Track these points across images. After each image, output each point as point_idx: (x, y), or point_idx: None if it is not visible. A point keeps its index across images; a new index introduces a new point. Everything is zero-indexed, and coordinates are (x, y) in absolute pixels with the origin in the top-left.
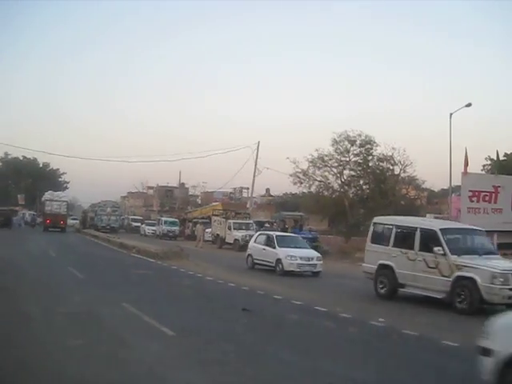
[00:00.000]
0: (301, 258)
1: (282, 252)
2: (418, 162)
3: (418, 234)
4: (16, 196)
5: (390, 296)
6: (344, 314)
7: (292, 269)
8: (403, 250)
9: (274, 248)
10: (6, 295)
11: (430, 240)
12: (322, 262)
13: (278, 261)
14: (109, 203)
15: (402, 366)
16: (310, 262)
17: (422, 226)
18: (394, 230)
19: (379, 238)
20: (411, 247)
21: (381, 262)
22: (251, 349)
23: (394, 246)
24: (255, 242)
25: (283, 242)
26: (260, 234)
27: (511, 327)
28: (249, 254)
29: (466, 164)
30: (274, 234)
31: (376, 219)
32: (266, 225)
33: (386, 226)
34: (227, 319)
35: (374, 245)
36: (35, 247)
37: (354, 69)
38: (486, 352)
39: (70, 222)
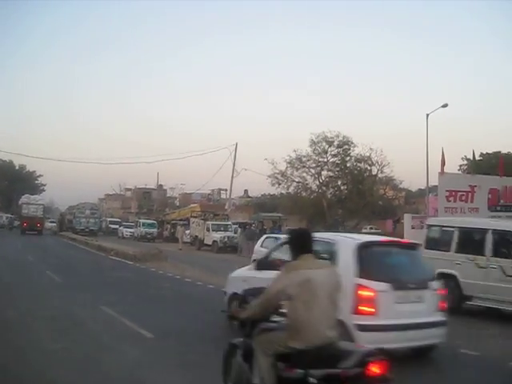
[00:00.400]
0: None
1: None
2: (395, 163)
3: (489, 237)
4: None
5: (455, 310)
6: None
7: None
8: (470, 257)
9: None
10: None
11: (506, 243)
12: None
13: None
14: (87, 205)
15: None
16: None
17: (496, 228)
18: (457, 233)
19: (437, 243)
20: (481, 252)
21: (441, 270)
22: None
23: (458, 251)
24: (262, 246)
25: None
26: (267, 238)
27: (233, 279)
28: (254, 260)
29: (443, 164)
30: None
31: (431, 221)
32: (253, 226)
33: (445, 229)
34: (206, 321)
35: (430, 251)
36: (12, 251)
37: (330, 69)
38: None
39: (47, 224)
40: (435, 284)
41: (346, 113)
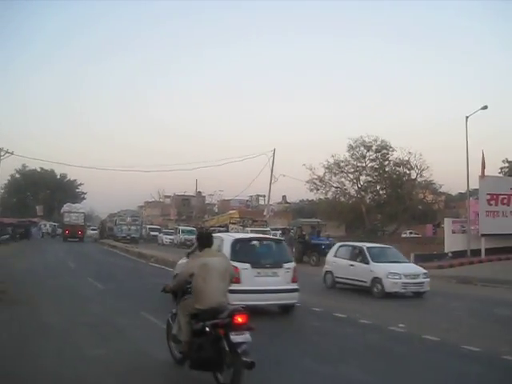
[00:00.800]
0: (405, 276)
1: (379, 269)
2: (434, 166)
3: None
4: (34, 207)
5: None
6: None
7: (396, 290)
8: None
9: (368, 263)
10: (26, 307)
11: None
12: (429, 279)
13: (376, 280)
14: (128, 212)
15: None
16: (416, 280)
17: (352, 244)
18: (338, 247)
19: (336, 254)
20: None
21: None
22: (271, 357)
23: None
24: (336, 255)
25: (378, 256)
26: (342, 246)
27: (177, 265)
28: (328, 271)
29: (483, 167)
30: (364, 245)
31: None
32: (291, 232)
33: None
34: None
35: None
36: (54, 258)
37: (369, 75)
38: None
39: (89, 232)
40: (289, 264)
41: (384, 117)
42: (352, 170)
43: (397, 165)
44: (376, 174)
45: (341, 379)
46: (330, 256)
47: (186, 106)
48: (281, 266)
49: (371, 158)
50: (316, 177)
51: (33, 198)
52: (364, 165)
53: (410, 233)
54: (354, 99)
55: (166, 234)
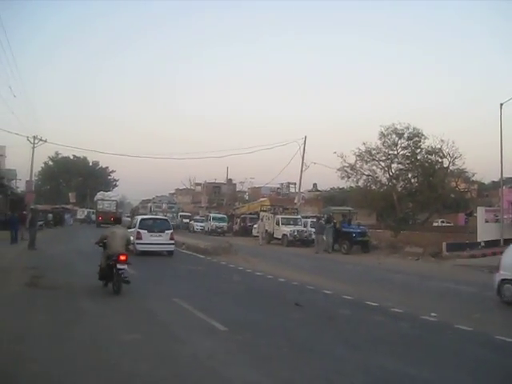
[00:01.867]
0: None
1: None
2: (467, 155)
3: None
4: (67, 194)
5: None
6: None
7: None
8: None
9: None
10: (62, 292)
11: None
12: None
13: None
14: (164, 199)
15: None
16: None
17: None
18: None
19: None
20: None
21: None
22: (304, 344)
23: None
24: None
25: None
26: None
27: None
28: (505, 280)
29: None
30: None
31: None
32: (322, 220)
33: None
34: (278, 314)
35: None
36: (87, 244)
37: (400, 62)
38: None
39: (124, 219)
40: (169, 231)
41: (417, 105)
42: (383, 158)
43: (429, 153)
44: (408, 161)
45: (373, 367)
46: (505, 259)
47: (217, 95)
48: (163, 231)
49: (403, 145)
50: (347, 164)
51: (66, 185)
52: (396, 152)
53: (442, 222)
54: (386, 86)
55: (197, 221)
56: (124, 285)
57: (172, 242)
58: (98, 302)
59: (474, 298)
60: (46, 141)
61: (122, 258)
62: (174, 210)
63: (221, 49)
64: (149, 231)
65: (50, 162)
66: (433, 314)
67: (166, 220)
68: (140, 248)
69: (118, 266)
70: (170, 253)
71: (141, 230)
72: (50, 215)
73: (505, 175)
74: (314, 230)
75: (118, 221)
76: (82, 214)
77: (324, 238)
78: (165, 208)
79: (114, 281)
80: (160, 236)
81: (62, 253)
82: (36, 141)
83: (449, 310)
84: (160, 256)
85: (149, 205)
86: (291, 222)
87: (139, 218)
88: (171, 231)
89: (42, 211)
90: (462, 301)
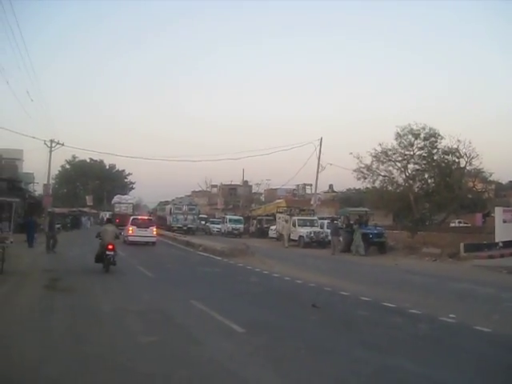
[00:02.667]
0: None
1: None
2: (484, 154)
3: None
4: (84, 197)
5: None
6: None
7: None
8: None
9: None
10: (79, 294)
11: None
12: None
13: None
14: (185, 200)
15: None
16: None
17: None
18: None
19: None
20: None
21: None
22: (321, 345)
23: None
24: None
25: None
26: None
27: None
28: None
29: None
30: None
31: None
32: (338, 221)
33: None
34: (296, 316)
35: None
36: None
37: (415, 62)
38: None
39: None
40: (152, 227)
41: (433, 104)
42: (400, 159)
43: (445, 153)
44: (424, 162)
45: (392, 369)
46: None
47: (233, 97)
48: (148, 227)
49: (419, 146)
50: (363, 165)
51: (82, 188)
52: (412, 153)
53: (459, 222)
54: (400, 86)
55: (214, 223)
56: (125, 279)
57: (154, 235)
58: (115, 304)
59: (493, 299)
60: (63, 144)
61: (110, 247)
62: (194, 211)
63: (233, 50)
64: (137, 227)
65: (67, 166)
66: (451, 316)
67: (151, 219)
68: (131, 239)
69: (107, 253)
70: (153, 243)
71: (132, 226)
72: (69, 218)
73: None
74: (330, 231)
75: (109, 220)
76: (104, 216)
77: (340, 239)
78: (185, 210)
79: (105, 263)
80: (145, 231)
81: (79, 255)
82: (53, 144)
83: (467, 311)
84: (176, 257)
85: (168, 206)
86: (307, 224)
87: (131, 217)
88: (154, 227)
89: (60, 214)
90: (480, 302)
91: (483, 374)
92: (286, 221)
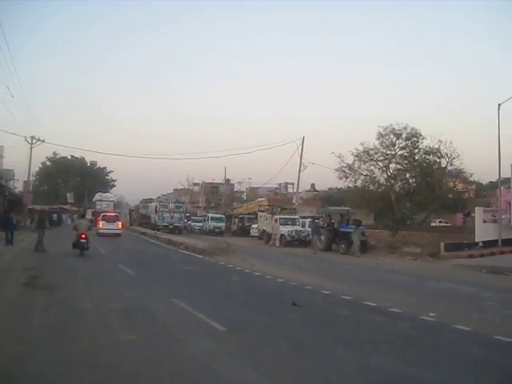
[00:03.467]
0: None
1: None
2: (465, 155)
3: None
4: (65, 194)
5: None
6: None
7: None
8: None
9: None
10: (60, 292)
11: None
12: None
13: None
14: (171, 198)
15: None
16: None
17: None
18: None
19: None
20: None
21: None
22: (303, 344)
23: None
24: None
25: None
26: None
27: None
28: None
29: None
30: None
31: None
32: (320, 219)
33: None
34: (277, 314)
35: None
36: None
37: (398, 62)
38: None
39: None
40: (119, 221)
41: (414, 104)
42: (381, 158)
43: (427, 153)
44: (406, 162)
45: (373, 367)
46: None
47: (215, 95)
48: (115, 222)
49: (401, 145)
50: (345, 165)
51: (63, 185)
52: (394, 153)
53: (440, 222)
54: (384, 87)
55: (195, 221)
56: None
57: (120, 228)
58: (96, 302)
59: (473, 298)
60: (43, 141)
61: (83, 236)
62: (181, 209)
63: (218, 49)
64: (106, 222)
65: (48, 162)
66: (431, 314)
67: (117, 215)
68: (101, 231)
69: (81, 240)
70: (119, 235)
71: (102, 221)
72: (55, 215)
73: (502, 175)
74: (311, 229)
75: (82, 216)
76: (89, 214)
77: (322, 238)
78: (172, 208)
79: (80, 248)
80: (113, 225)
81: (59, 253)
82: (34, 141)
83: (447, 310)
84: (157, 255)
85: (152, 204)
86: (289, 222)
87: (101, 214)
88: (120, 222)
89: (40, 211)
90: (460, 301)
91: (463, 372)
92: (276, 220)
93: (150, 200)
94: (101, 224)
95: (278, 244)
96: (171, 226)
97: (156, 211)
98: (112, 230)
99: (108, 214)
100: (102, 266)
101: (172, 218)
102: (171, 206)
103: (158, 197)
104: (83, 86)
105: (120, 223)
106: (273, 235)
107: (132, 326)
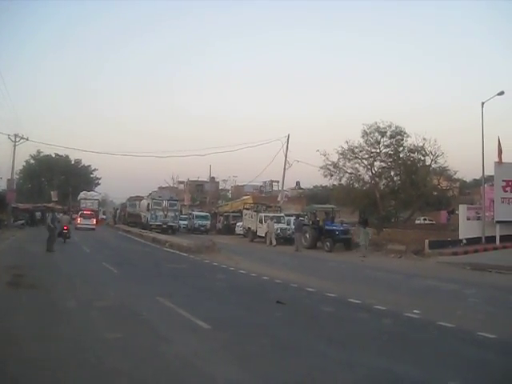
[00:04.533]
0: None
1: None
2: (449, 153)
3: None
4: (49, 193)
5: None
6: None
7: None
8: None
9: None
10: (44, 291)
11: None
12: None
13: None
14: (165, 195)
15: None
16: None
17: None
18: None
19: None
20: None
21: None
22: (287, 341)
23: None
24: None
25: None
26: None
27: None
28: None
29: (500, 153)
30: None
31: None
32: (305, 217)
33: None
34: (262, 312)
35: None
36: (69, 243)
37: (383, 61)
38: None
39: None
40: (93, 219)
41: (399, 103)
42: (366, 156)
43: (411, 151)
44: (390, 160)
45: (357, 364)
46: None
47: (200, 92)
48: (91, 218)
49: (385, 143)
50: (330, 163)
51: (47, 183)
52: (378, 151)
53: (424, 219)
54: (369, 85)
55: (181, 219)
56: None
57: (94, 223)
58: (80, 300)
59: (457, 295)
60: (27, 139)
61: (65, 227)
62: (176, 207)
63: (203, 47)
64: (83, 218)
65: (32, 161)
66: (415, 311)
67: (92, 213)
68: (78, 226)
69: (63, 231)
70: (93, 229)
71: (79, 218)
72: (39, 213)
73: (486, 173)
74: (294, 227)
75: (65, 213)
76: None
77: (307, 235)
78: (165, 206)
79: (63, 237)
80: (88, 221)
81: (43, 251)
82: (17, 139)
83: (431, 307)
84: (142, 253)
85: (144, 202)
86: (274, 220)
87: (79, 212)
88: (94, 219)
89: (24, 210)
90: (444, 298)
91: (446, 368)
92: (272, 219)
93: (139, 198)
94: (79, 220)
95: (274, 243)
96: (165, 226)
97: (148, 209)
98: (88, 225)
99: (85, 212)
100: (86, 265)
101: (166, 216)
102: (165, 203)
103: (150, 193)
104: (67, 84)
105: (94, 220)
106: (268, 233)
107: (116, 324)
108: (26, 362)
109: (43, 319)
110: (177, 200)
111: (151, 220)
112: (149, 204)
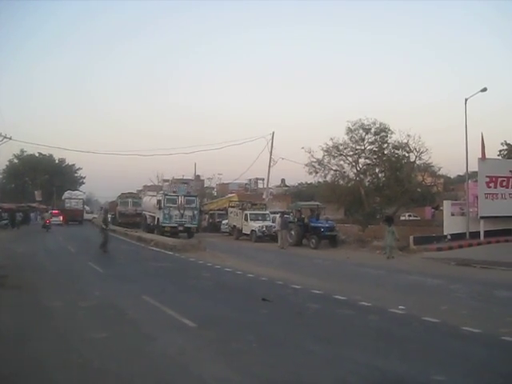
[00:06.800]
0: None
1: None
2: (433, 149)
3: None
4: (33, 192)
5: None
6: None
7: None
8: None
9: None
10: (28, 291)
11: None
12: None
13: None
14: (181, 189)
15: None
16: None
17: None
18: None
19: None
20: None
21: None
22: (273, 338)
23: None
24: None
25: None
26: None
27: None
28: None
29: (484, 149)
30: None
31: None
32: (290, 215)
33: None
34: (248, 310)
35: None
36: (54, 242)
37: (367, 58)
38: None
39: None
40: (60, 216)
41: (383, 100)
42: (351, 153)
43: (396, 147)
44: (375, 156)
45: (343, 360)
46: None
47: (185, 90)
48: (58, 217)
49: (370, 140)
50: (315, 160)
51: (31, 183)
52: (363, 148)
53: (409, 215)
54: (353, 82)
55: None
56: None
57: (61, 220)
58: (65, 300)
59: (441, 290)
60: (10, 138)
61: (47, 221)
62: (194, 205)
63: (189, 44)
64: (54, 216)
65: (15, 160)
66: (401, 307)
67: (59, 212)
68: (52, 222)
69: (46, 224)
70: (61, 224)
71: (52, 216)
72: (21, 214)
73: (470, 169)
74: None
75: (47, 211)
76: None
77: (293, 233)
78: (181, 202)
79: (46, 228)
80: (57, 218)
81: (28, 251)
82: (0, 138)
83: (416, 303)
84: (127, 253)
85: (154, 199)
86: (259, 218)
87: (51, 212)
88: (61, 216)
89: (7, 210)
90: (429, 293)
91: (431, 362)
92: (280, 217)
93: (131, 194)
94: (51, 218)
95: (285, 245)
96: (181, 228)
97: (160, 207)
98: (56, 222)
99: (53, 212)
100: (71, 265)
101: (182, 216)
102: (181, 200)
103: (164, 187)
104: (49, 82)
105: (61, 217)
106: (279, 233)
107: (102, 323)
108: (10, 362)
109: (27, 320)
110: (195, 196)
111: (164, 221)
112: (160, 201)
